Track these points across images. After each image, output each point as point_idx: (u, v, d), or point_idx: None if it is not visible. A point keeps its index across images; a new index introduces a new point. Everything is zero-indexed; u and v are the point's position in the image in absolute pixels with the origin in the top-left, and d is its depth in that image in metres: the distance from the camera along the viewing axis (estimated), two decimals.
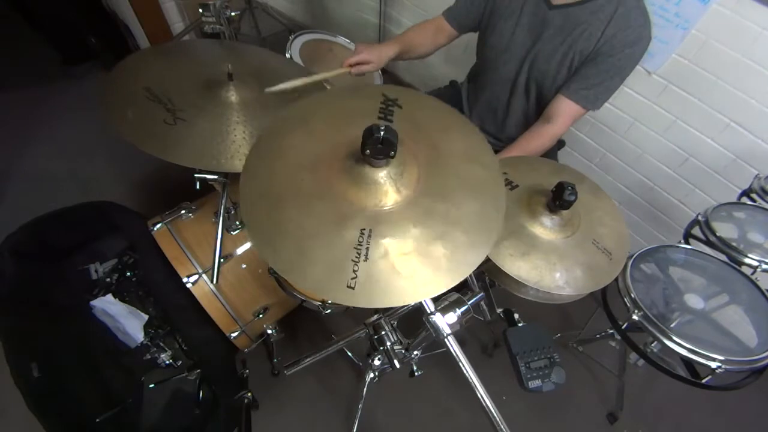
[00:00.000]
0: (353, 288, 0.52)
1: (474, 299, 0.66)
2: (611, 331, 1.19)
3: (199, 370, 1.12)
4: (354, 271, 0.53)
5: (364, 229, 0.56)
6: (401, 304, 0.56)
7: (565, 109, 1.04)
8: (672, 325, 0.79)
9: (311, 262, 0.54)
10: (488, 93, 1.23)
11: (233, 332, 1.04)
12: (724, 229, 0.98)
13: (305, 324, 1.44)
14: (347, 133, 0.62)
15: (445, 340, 0.62)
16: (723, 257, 0.94)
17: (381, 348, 0.83)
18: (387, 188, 0.60)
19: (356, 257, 0.54)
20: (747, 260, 0.92)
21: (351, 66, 1.10)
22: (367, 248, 0.55)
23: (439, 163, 0.66)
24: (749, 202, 1.10)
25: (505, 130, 1.27)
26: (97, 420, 0.99)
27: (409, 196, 0.61)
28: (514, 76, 1.13)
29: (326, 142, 0.65)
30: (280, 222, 0.57)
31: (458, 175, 0.65)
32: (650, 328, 0.80)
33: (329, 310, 0.90)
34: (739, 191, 1.16)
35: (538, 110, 1.17)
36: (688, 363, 0.82)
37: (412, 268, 0.55)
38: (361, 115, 0.58)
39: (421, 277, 0.54)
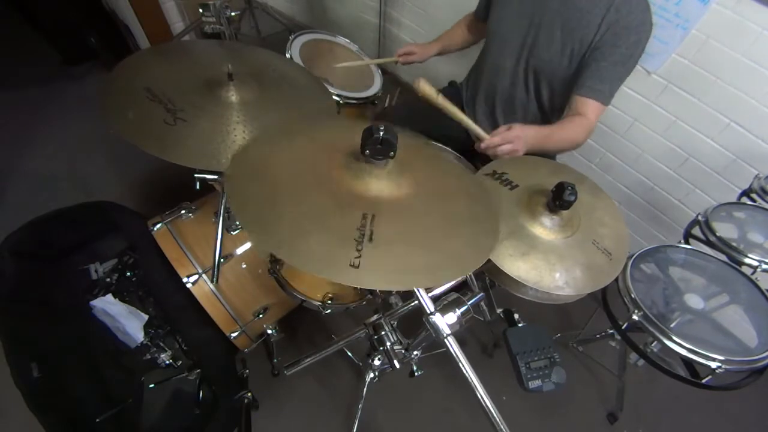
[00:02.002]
0: (357, 267, 0.52)
1: (474, 299, 0.66)
2: (611, 331, 1.19)
3: (199, 370, 1.12)
4: (358, 250, 0.53)
5: (366, 214, 0.57)
6: (404, 288, 0.57)
7: (588, 109, 0.99)
8: (672, 325, 0.79)
9: (313, 240, 0.54)
10: (488, 86, 1.22)
11: (233, 332, 1.04)
12: (724, 229, 0.98)
13: (305, 324, 1.44)
14: (348, 139, 0.62)
15: (445, 340, 0.62)
16: (723, 257, 0.94)
17: (381, 348, 0.83)
18: (387, 183, 0.61)
19: (360, 237, 0.54)
20: (747, 260, 0.92)
21: (400, 56, 1.35)
22: (371, 230, 0.55)
23: (439, 163, 0.66)
24: (749, 202, 1.10)
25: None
26: (97, 420, 1.00)
27: (410, 191, 0.62)
28: (513, 65, 1.12)
29: (326, 146, 0.66)
30: (277, 208, 0.57)
31: (458, 175, 0.65)
32: (650, 328, 0.80)
33: (329, 310, 0.90)
34: (739, 191, 1.16)
35: (539, 105, 1.16)
36: (688, 363, 0.82)
37: (416, 252, 0.55)
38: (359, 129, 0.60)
39: (425, 261, 0.55)
